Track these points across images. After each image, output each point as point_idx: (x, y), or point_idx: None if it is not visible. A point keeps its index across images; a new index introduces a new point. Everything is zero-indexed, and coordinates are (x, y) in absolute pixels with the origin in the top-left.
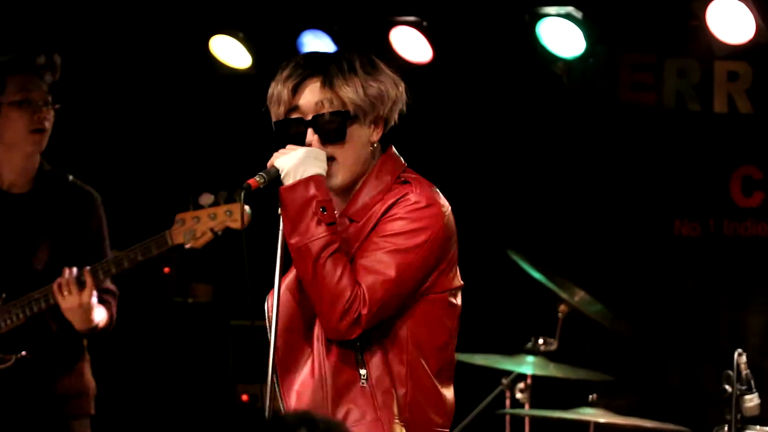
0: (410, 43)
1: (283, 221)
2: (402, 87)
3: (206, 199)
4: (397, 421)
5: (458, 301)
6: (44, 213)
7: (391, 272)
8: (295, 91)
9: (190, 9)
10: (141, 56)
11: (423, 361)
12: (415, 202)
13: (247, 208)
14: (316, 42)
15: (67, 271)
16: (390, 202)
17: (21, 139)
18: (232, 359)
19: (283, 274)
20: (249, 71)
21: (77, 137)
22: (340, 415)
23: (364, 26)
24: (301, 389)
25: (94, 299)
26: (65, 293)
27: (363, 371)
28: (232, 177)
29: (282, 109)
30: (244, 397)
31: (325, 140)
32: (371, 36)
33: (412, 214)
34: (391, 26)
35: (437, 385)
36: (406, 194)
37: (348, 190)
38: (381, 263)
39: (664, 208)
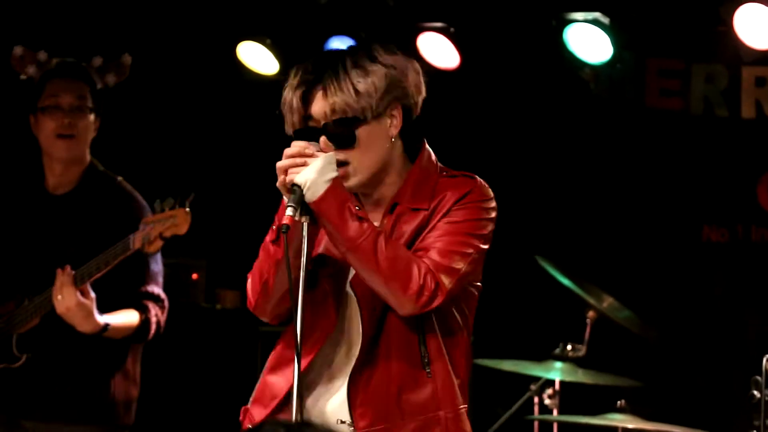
0: (437, 49)
1: (326, 232)
2: (402, 66)
3: (168, 203)
4: (462, 408)
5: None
6: (81, 215)
7: (467, 253)
8: (305, 100)
9: (218, 15)
10: (169, 62)
11: (469, 344)
12: (485, 194)
13: (186, 213)
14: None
15: (58, 275)
16: (463, 191)
17: (51, 144)
18: (260, 365)
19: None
20: (276, 77)
21: (106, 142)
22: (401, 408)
23: (391, 32)
24: (368, 381)
25: (83, 298)
26: (57, 297)
27: (426, 361)
28: (244, 182)
29: (296, 117)
30: None
31: (338, 146)
32: (398, 42)
33: (484, 203)
34: (418, 32)
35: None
36: (478, 186)
37: (375, 186)
38: (460, 243)
39: (692, 214)
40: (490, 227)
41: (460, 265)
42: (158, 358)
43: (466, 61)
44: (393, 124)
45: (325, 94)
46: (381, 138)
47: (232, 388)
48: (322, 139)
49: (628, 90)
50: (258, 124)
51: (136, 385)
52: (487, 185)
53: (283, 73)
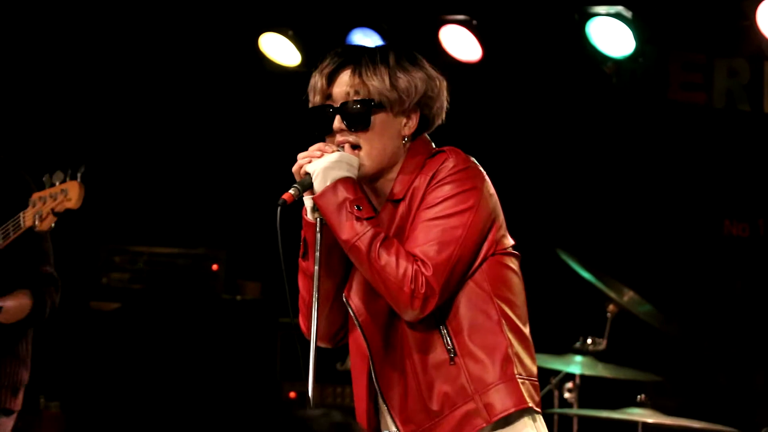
0: (460, 42)
1: (329, 226)
2: (440, 84)
3: (57, 177)
4: (496, 386)
5: (512, 264)
6: None
7: (451, 237)
8: (330, 79)
9: (240, 7)
10: (192, 53)
11: (513, 316)
12: (455, 165)
13: (79, 186)
14: (365, 40)
15: None
16: (431, 173)
17: None
18: (280, 356)
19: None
20: (298, 69)
21: (131, 132)
22: (437, 403)
23: (413, 24)
24: (398, 386)
25: None
26: None
27: (450, 347)
28: (271, 173)
29: (318, 98)
30: (291, 394)
31: (351, 126)
32: (421, 34)
33: (455, 176)
34: (440, 25)
35: (529, 337)
36: (445, 160)
37: (376, 180)
38: (440, 231)
39: (714, 209)
40: (475, 194)
41: (445, 255)
42: (180, 349)
43: (488, 54)
44: (408, 125)
45: (354, 74)
46: (393, 132)
47: (252, 378)
48: (337, 118)
49: (650, 84)
50: (280, 115)
51: (27, 368)
52: (460, 153)
53: (305, 65)
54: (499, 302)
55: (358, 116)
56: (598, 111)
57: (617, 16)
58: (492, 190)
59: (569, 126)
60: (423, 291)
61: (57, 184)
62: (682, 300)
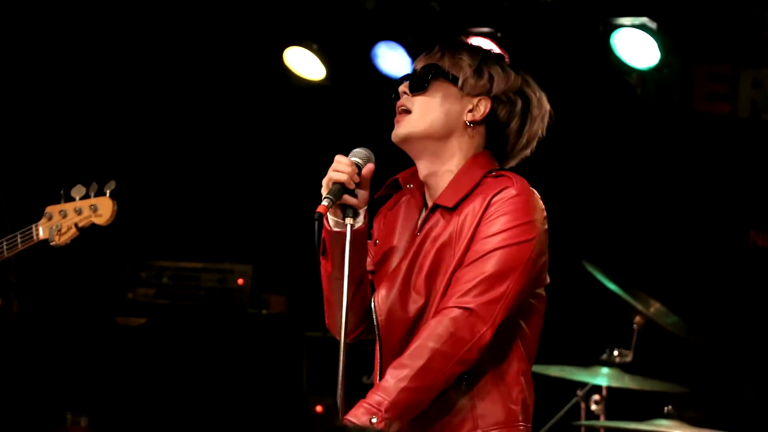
0: None
1: None
2: (535, 105)
3: (78, 191)
4: (499, 429)
5: (543, 304)
6: None
7: (509, 268)
8: (419, 58)
9: (265, 21)
10: (217, 68)
11: (528, 360)
12: (517, 195)
13: (112, 203)
14: (389, 54)
15: None
16: (489, 196)
17: None
18: (306, 370)
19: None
20: (323, 83)
21: (155, 147)
22: (437, 427)
23: (438, 38)
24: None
25: None
26: None
27: (464, 377)
28: (289, 187)
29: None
30: (318, 408)
31: (411, 89)
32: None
33: (516, 206)
34: (465, 37)
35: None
36: (506, 187)
37: (433, 175)
38: (496, 262)
39: (739, 219)
40: (535, 228)
41: (501, 289)
42: (205, 363)
43: (513, 66)
44: (475, 109)
45: (439, 52)
46: (453, 109)
47: (279, 391)
48: (403, 85)
49: (675, 95)
50: (305, 129)
51: None
52: (522, 181)
53: (330, 79)
54: (522, 344)
55: (420, 79)
56: (623, 122)
57: (642, 27)
58: (547, 225)
59: (594, 137)
60: (483, 342)
61: (77, 198)
62: (708, 311)
